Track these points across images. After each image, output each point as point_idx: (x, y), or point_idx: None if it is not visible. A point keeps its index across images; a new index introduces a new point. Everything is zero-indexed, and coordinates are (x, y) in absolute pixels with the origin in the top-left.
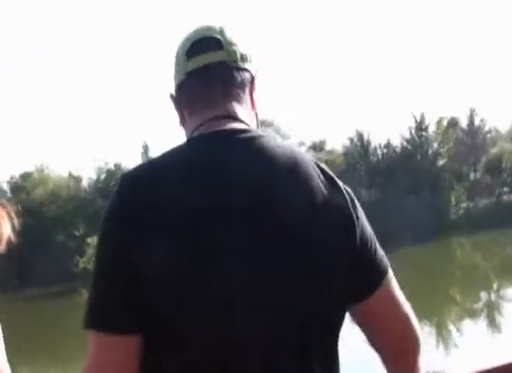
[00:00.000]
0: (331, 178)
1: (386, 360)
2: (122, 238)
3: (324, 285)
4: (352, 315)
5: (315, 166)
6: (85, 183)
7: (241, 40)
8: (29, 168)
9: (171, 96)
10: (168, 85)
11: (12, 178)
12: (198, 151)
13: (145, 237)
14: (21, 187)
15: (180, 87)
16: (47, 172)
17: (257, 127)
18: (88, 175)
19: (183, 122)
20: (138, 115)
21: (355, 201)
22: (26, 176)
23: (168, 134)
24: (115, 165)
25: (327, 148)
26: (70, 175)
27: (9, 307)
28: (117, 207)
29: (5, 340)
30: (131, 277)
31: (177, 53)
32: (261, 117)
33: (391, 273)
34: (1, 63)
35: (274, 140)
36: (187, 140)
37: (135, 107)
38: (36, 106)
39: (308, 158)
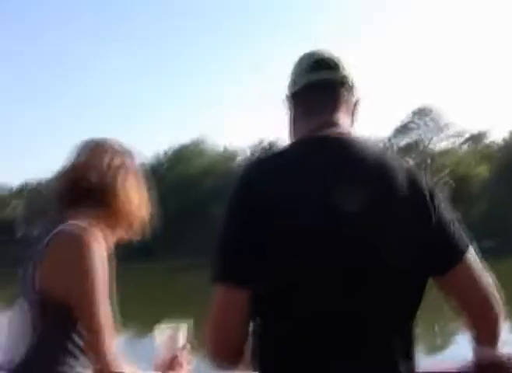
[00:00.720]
0: (413, 175)
1: (469, 325)
2: (243, 223)
3: (404, 262)
4: (440, 286)
5: (399, 166)
6: (239, 159)
7: (352, 69)
8: (186, 140)
9: (287, 99)
10: None
11: (169, 149)
12: (304, 153)
13: (254, 223)
14: (178, 159)
15: (297, 95)
16: (203, 145)
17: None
18: (243, 151)
19: (292, 122)
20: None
21: (435, 192)
22: (183, 148)
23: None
24: (269, 144)
25: (488, 140)
26: (225, 150)
27: (163, 275)
28: (243, 190)
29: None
30: (257, 240)
31: (299, 64)
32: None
33: (471, 250)
34: None
35: (364, 143)
36: (300, 140)
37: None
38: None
39: (394, 159)
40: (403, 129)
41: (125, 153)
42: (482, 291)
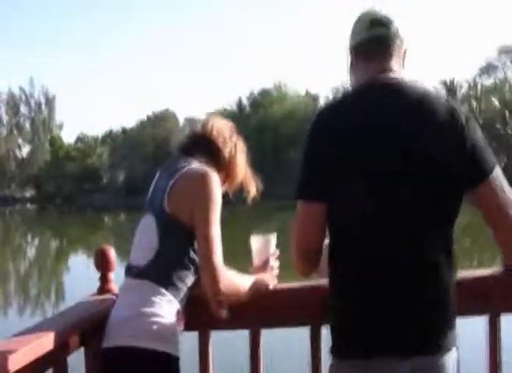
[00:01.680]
0: (453, 108)
1: (494, 234)
2: (317, 152)
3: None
4: (471, 200)
5: (441, 101)
6: (321, 102)
7: (400, 25)
8: (269, 85)
9: (349, 49)
10: None
11: (251, 94)
12: (365, 96)
13: (325, 151)
14: (260, 104)
15: (359, 46)
16: (285, 89)
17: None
18: (325, 94)
19: (352, 69)
20: None
21: (471, 123)
22: (264, 93)
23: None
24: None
25: None
26: (307, 93)
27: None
28: (312, 131)
29: None
30: (325, 167)
31: (358, 22)
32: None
33: (498, 170)
34: None
35: (412, 85)
36: (361, 85)
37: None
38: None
39: (435, 95)
40: (488, 68)
41: (238, 135)
42: (506, 206)
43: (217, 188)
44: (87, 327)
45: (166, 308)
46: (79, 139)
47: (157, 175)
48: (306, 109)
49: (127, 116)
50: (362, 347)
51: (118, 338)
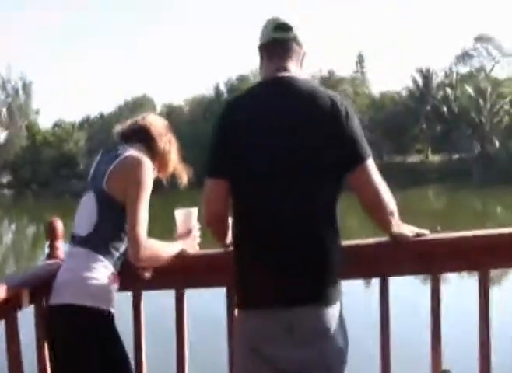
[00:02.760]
0: (334, 101)
1: (371, 215)
2: (221, 138)
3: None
4: (349, 184)
5: (325, 95)
6: None
7: (301, 32)
8: (245, 71)
9: (259, 49)
10: None
11: (228, 80)
12: (261, 90)
13: (227, 138)
14: (237, 89)
15: (264, 46)
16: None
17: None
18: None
19: (260, 66)
20: (354, 23)
21: (349, 113)
22: (242, 79)
23: (381, 45)
24: (329, 72)
25: None
26: None
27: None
28: (219, 121)
29: None
30: (226, 151)
31: (266, 26)
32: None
33: (371, 160)
34: None
35: (303, 82)
36: (261, 81)
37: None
38: None
39: (321, 91)
40: (464, 56)
41: (171, 132)
42: (376, 190)
43: (149, 173)
44: (36, 286)
45: (102, 271)
46: (56, 125)
47: (98, 157)
48: None
49: (105, 102)
50: (258, 299)
51: (62, 297)
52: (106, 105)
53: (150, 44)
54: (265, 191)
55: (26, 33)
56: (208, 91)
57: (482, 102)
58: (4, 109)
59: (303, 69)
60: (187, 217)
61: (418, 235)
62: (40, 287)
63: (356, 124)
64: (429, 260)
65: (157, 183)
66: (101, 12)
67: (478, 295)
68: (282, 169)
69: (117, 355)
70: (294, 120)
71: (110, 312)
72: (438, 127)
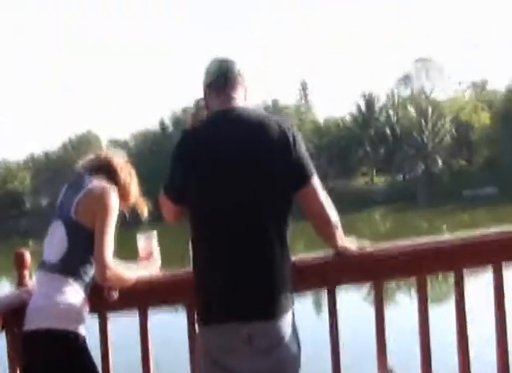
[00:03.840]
0: (281, 127)
1: (317, 229)
2: (178, 168)
3: (270, 183)
4: (298, 202)
5: (273, 123)
6: None
7: (242, 68)
8: (189, 103)
9: (204, 87)
10: None
11: (173, 113)
12: (213, 120)
13: (183, 167)
14: (182, 121)
15: (211, 83)
16: None
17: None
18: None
19: (207, 104)
20: (296, 50)
21: (296, 137)
22: (186, 111)
23: (323, 71)
24: (273, 102)
25: (489, 87)
26: None
27: None
28: (175, 151)
29: None
30: (181, 178)
31: (211, 65)
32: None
33: (316, 178)
34: None
35: (252, 111)
36: (210, 114)
37: (292, 42)
38: None
39: (269, 118)
40: (405, 79)
41: (131, 167)
42: (321, 205)
43: (115, 201)
44: (7, 313)
45: (74, 295)
46: (0, 165)
47: (64, 188)
48: None
49: (48, 140)
50: (217, 315)
51: (36, 322)
52: (51, 143)
53: (90, 78)
54: (220, 215)
55: None
56: (153, 125)
57: (423, 122)
58: None
59: (247, 100)
60: (148, 240)
61: (360, 246)
62: (11, 314)
63: (302, 147)
64: (371, 270)
65: (122, 217)
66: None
67: (417, 303)
68: (236, 193)
69: (91, 371)
70: (247, 148)
71: (83, 336)
72: (382, 150)
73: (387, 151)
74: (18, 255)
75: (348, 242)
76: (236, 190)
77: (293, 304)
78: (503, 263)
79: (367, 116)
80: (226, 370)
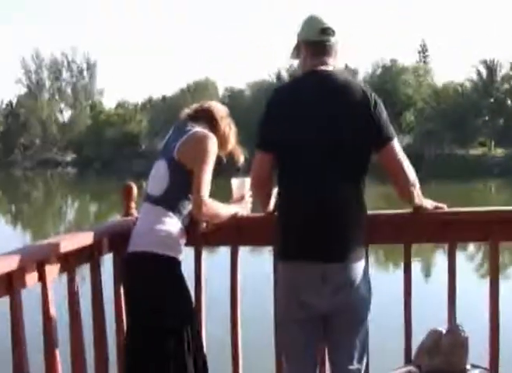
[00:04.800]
0: (364, 91)
1: (395, 186)
2: (269, 117)
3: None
4: (378, 160)
5: (357, 86)
6: (360, 77)
7: (339, 32)
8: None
9: (300, 41)
10: None
11: (290, 66)
12: (305, 79)
13: (275, 117)
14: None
15: (310, 44)
16: None
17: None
18: (364, 69)
19: (302, 58)
20: (417, 11)
21: (377, 102)
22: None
23: (445, 33)
24: (391, 61)
25: None
26: (346, 67)
27: None
28: (268, 102)
29: None
30: (272, 128)
31: (310, 24)
32: None
33: (395, 141)
34: None
35: (340, 75)
36: (305, 72)
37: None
38: None
39: (354, 82)
40: None
41: (231, 118)
42: (401, 165)
43: (214, 146)
44: (115, 235)
45: (173, 225)
46: (119, 105)
47: (170, 131)
48: None
49: (167, 84)
50: (292, 252)
51: (139, 245)
52: (169, 87)
53: (210, 28)
54: (307, 165)
55: (93, 12)
56: (269, 76)
57: None
58: (69, 89)
59: (338, 65)
60: (241, 184)
61: (437, 207)
62: (118, 237)
63: (383, 111)
64: (447, 230)
65: (219, 162)
66: None
67: (489, 265)
68: (322, 146)
69: (185, 294)
70: (332, 106)
71: (179, 261)
72: (501, 120)
73: (507, 123)
74: (126, 188)
75: (426, 202)
76: (319, 138)
77: (367, 253)
78: None
79: (488, 84)
80: (302, 303)
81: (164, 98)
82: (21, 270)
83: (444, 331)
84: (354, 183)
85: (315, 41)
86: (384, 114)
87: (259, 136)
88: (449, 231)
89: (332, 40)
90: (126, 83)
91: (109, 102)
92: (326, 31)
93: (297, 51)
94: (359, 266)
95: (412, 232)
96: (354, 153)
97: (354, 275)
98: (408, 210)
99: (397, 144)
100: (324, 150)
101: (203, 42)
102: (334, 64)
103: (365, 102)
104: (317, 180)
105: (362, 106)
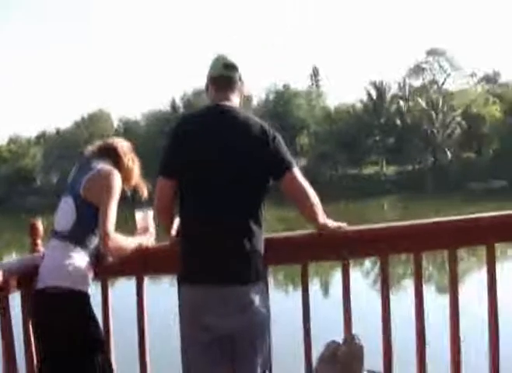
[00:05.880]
0: (262, 127)
1: (300, 209)
2: (174, 144)
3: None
4: (280, 188)
5: (257, 123)
6: (254, 102)
7: (241, 69)
8: (202, 85)
9: (207, 78)
10: None
11: (184, 94)
12: (208, 112)
13: (179, 144)
14: (194, 104)
15: (214, 79)
16: None
17: (240, 105)
18: (257, 94)
19: (207, 93)
20: (308, 35)
21: (277, 137)
22: (198, 94)
23: (335, 57)
24: (284, 86)
25: (501, 80)
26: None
27: None
28: (174, 130)
29: None
30: (175, 158)
31: (216, 61)
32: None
33: (296, 169)
34: None
35: (241, 112)
36: (208, 106)
37: (304, 28)
38: None
39: (254, 119)
40: (417, 69)
41: (134, 153)
42: (304, 188)
43: (118, 182)
44: (21, 274)
45: (80, 260)
46: (12, 140)
47: (75, 168)
48: (240, 108)
49: (61, 117)
50: (199, 277)
51: (46, 281)
52: (62, 120)
53: (106, 57)
54: (206, 190)
55: None
56: (164, 106)
57: (434, 114)
58: None
59: (241, 104)
60: (144, 216)
61: (339, 227)
62: (25, 275)
63: (282, 144)
64: (344, 247)
65: (124, 197)
66: (57, 21)
67: (381, 280)
68: (221, 174)
69: (93, 324)
70: (231, 137)
71: (87, 295)
72: (391, 139)
73: (397, 142)
74: (32, 224)
75: (328, 221)
76: (218, 166)
77: (266, 275)
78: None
79: (378, 104)
80: (206, 326)
81: (58, 131)
82: None
83: (341, 341)
84: (252, 208)
85: (218, 76)
86: (283, 147)
87: (163, 163)
88: (346, 248)
89: (234, 75)
90: (18, 117)
91: (0, 137)
92: (228, 67)
93: (206, 87)
94: (258, 287)
95: (309, 252)
96: (252, 181)
97: (254, 296)
98: (305, 231)
99: (297, 171)
100: (223, 178)
101: (96, 72)
102: (237, 99)
103: (263, 137)
104: (215, 205)
105: (259, 140)
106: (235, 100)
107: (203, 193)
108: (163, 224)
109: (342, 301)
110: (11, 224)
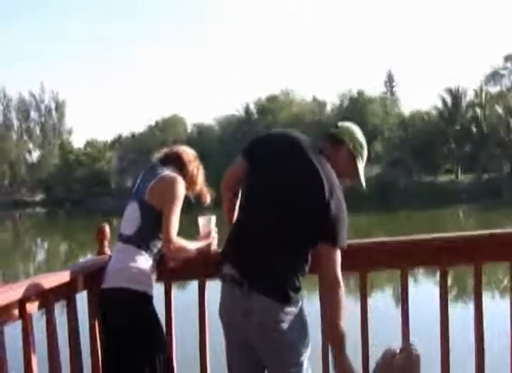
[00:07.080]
0: (322, 175)
1: (319, 280)
2: (250, 148)
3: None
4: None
5: (321, 163)
6: (328, 108)
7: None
8: (276, 91)
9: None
10: None
11: (258, 100)
12: (276, 135)
13: (262, 144)
14: (267, 109)
15: (333, 142)
16: (292, 95)
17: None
18: (331, 100)
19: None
20: (383, 42)
21: (334, 189)
22: (272, 99)
23: (410, 64)
24: (358, 93)
25: None
26: (314, 99)
27: None
28: (253, 139)
29: None
30: (258, 148)
31: (355, 138)
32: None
33: (339, 252)
34: None
35: (321, 160)
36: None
37: (379, 34)
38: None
39: (319, 158)
40: (494, 75)
41: (199, 161)
42: (332, 267)
43: (182, 189)
44: (89, 275)
45: (144, 263)
46: (89, 144)
47: (141, 174)
48: (313, 114)
49: (136, 122)
50: (232, 279)
51: (112, 282)
52: (137, 125)
53: (181, 63)
54: (260, 209)
55: (61, 52)
56: (238, 111)
57: (511, 121)
58: (37, 129)
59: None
60: (207, 222)
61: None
62: (92, 275)
63: (343, 215)
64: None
65: (187, 199)
66: (127, 28)
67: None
68: (274, 213)
69: (156, 326)
70: (302, 187)
71: (151, 296)
72: (467, 147)
73: (472, 149)
74: (100, 228)
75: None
76: (272, 208)
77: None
78: None
79: (453, 111)
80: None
81: (133, 135)
82: (2, 309)
83: (398, 350)
84: (296, 252)
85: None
86: (343, 219)
87: (246, 145)
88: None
89: (341, 140)
90: (95, 121)
91: (78, 141)
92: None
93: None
94: (288, 308)
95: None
96: (303, 231)
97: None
98: (362, 240)
99: (338, 253)
100: (279, 218)
101: (171, 77)
102: (330, 153)
103: (325, 202)
104: (263, 230)
105: (322, 206)
106: (328, 153)
107: (258, 207)
108: (224, 196)
109: (401, 308)
110: (87, 225)
